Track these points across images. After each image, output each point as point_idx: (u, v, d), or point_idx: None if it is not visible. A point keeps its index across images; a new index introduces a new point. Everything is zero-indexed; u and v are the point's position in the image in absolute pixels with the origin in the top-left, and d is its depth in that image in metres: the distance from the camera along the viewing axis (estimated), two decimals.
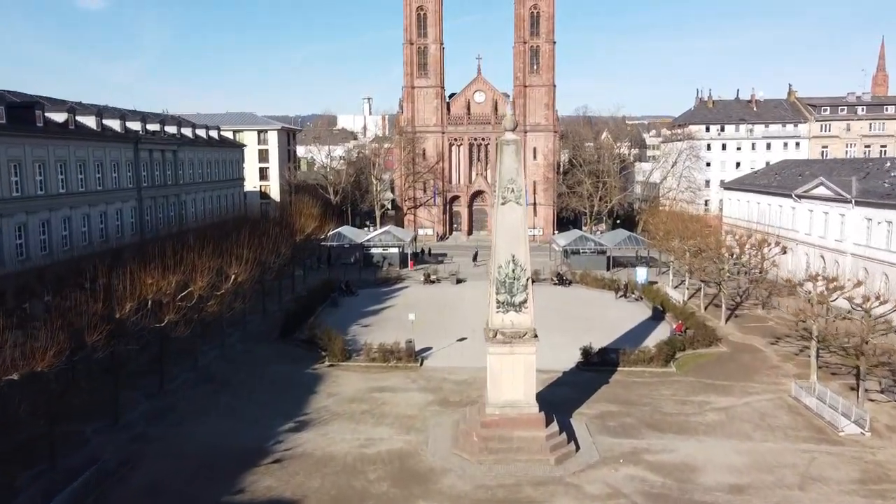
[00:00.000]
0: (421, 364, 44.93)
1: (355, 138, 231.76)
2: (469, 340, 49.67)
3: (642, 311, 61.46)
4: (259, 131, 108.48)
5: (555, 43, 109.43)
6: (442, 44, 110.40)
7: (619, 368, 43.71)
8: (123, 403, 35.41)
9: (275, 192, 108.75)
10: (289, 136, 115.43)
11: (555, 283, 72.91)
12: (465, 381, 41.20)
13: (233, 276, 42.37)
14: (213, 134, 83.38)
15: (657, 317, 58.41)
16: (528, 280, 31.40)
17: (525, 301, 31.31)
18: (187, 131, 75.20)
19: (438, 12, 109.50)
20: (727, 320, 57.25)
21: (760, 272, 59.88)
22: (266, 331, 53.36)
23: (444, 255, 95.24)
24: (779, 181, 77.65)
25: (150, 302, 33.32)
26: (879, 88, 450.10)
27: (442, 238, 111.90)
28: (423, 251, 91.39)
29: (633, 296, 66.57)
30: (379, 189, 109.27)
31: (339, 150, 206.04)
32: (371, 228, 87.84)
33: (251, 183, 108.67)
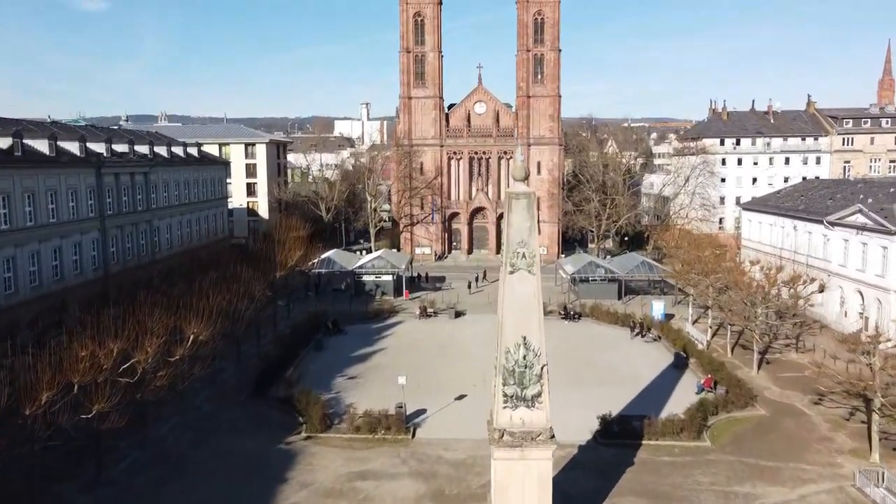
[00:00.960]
0: (413, 435, 38.53)
1: (352, 145, 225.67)
2: (469, 398, 43.43)
3: (662, 355, 55.12)
4: (246, 144, 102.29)
5: (560, 51, 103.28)
6: (440, 52, 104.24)
7: (643, 442, 37.36)
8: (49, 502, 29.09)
9: (263, 209, 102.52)
10: (278, 149, 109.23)
11: (562, 317, 66.64)
12: (465, 463, 34.84)
13: (191, 337, 35.95)
14: (193, 151, 77.13)
15: (680, 364, 52.06)
16: (543, 368, 25.05)
17: (539, 394, 24.98)
18: (161, 150, 68.94)
19: (437, 19, 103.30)
20: (758, 367, 50.96)
21: (794, 315, 53.56)
22: (239, 384, 46.98)
23: (443, 278, 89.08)
24: (806, 204, 71.37)
25: (76, 387, 26.94)
26: (886, 93, 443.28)
27: (440, 257, 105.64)
28: (419, 276, 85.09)
29: (650, 335, 60.24)
30: (374, 206, 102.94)
31: (334, 158, 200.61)
32: (363, 252, 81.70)
33: (238, 199, 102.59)
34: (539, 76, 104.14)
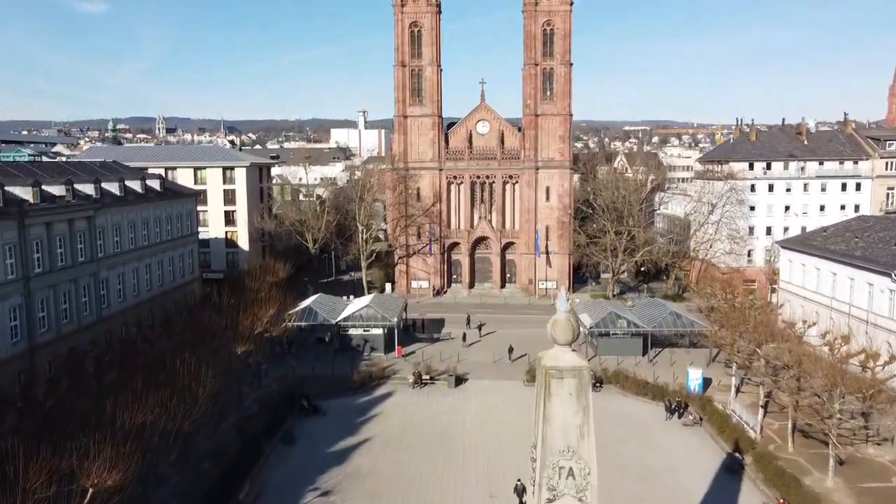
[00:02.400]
0: None
1: (348, 157, 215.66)
2: None
3: (708, 450, 45.15)
4: (224, 168, 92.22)
5: (571, 65, 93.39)
6: (439, 66, 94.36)
7: None
8: None
9: (243, 240, 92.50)
10: (261, 172, 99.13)
11: None
12: None
13: (90, 491, 25.83)
14: (154, 184, 67.10)
15: (733, 467, 42.05)
16: None
17: None
18: (111, 186, 58.93)
19: (435, 29, 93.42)
20: (833, 473, 40.93)
21: (868, 398, 43.48)
22: None
23: (441, 321, 79.24)
24: (863, 249, 61.29)
25: None
26: (895, 100, 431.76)
27: (439, 292, 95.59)
28: (413, 324, 75.02)
29: (690, 416, 50.22)
30: (366, 236, 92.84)
31: (329, 171, 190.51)
32: (350, 298, 71.75)
33: (216, 229, 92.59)
34: (548, 93, 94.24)
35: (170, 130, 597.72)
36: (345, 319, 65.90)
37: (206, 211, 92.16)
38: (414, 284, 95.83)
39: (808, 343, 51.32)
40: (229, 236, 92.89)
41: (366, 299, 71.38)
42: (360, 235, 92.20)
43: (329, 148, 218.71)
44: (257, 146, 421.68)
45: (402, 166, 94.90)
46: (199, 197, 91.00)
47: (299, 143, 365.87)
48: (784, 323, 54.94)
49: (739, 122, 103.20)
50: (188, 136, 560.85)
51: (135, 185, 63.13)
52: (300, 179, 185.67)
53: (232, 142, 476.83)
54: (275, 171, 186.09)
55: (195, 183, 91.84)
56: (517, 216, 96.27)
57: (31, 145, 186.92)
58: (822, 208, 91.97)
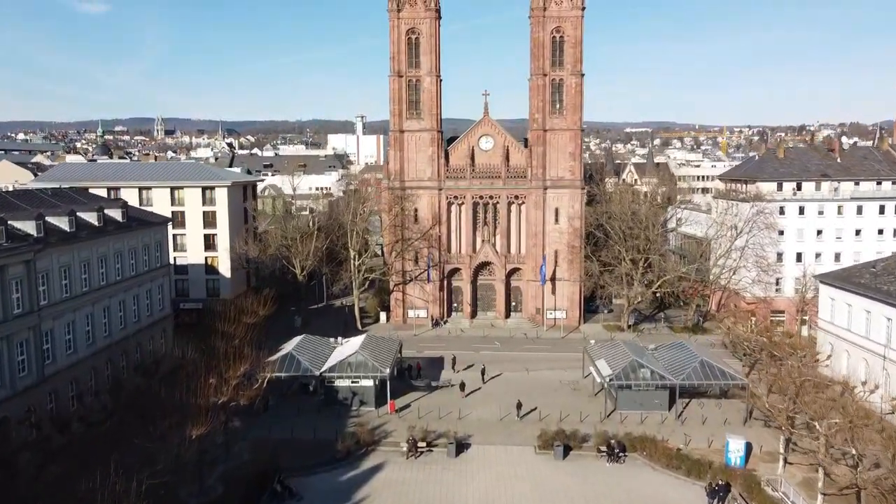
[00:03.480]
0: None
1: (344, 165, 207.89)
2: None
3: None
4: (204, 188, 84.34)
5: (583, 76, 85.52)
6: (439, 76, 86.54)
7: None
8: None
9: (225, 266, 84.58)
10: (245, 191, 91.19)
11: (601, 455, 48.86)
12: None
13: None
14: (115, 213, 59.20)
15: None
16: None
17: None
18: (59, 221, 51.08)
19: (434, 36, 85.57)
20: None
21: None
22: None
23: (440, 361, 71.57)
24: None
25: None
26: None
27: (437, 323, 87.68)
28: (409, 369, 67.12)
29: None
30: (358, 263, 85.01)
31: (324, 181, 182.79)
32: (339, 340, 63.83)
33: (195, 254, 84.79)
34: (557, 105, 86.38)
35: (168, 132, 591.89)
36: (331, 369, 57.98)
37: (185, 234, 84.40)
38: (411, 314, 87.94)
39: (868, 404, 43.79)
40: (210, 262, 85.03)
41: (356, 342, 63.46)
42: (351, 263, 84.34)
43: (325, 155, 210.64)
44: (255, 150, 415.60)
45: (399, 185, 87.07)
46: (177, 219, 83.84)
47: (297, 147, 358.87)
48: (840, 385, 47.01)
49: (765, 137, 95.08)
50: (186, 139, 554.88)
51: (90, 217, 55.22)
52: (294, 190, 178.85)
53: (230, 144, 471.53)
54: (267, 180, 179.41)
55: (172, 203, 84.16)
56: (523, 240, 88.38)
57: (7, 153, 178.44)
58: (857, 233, 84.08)
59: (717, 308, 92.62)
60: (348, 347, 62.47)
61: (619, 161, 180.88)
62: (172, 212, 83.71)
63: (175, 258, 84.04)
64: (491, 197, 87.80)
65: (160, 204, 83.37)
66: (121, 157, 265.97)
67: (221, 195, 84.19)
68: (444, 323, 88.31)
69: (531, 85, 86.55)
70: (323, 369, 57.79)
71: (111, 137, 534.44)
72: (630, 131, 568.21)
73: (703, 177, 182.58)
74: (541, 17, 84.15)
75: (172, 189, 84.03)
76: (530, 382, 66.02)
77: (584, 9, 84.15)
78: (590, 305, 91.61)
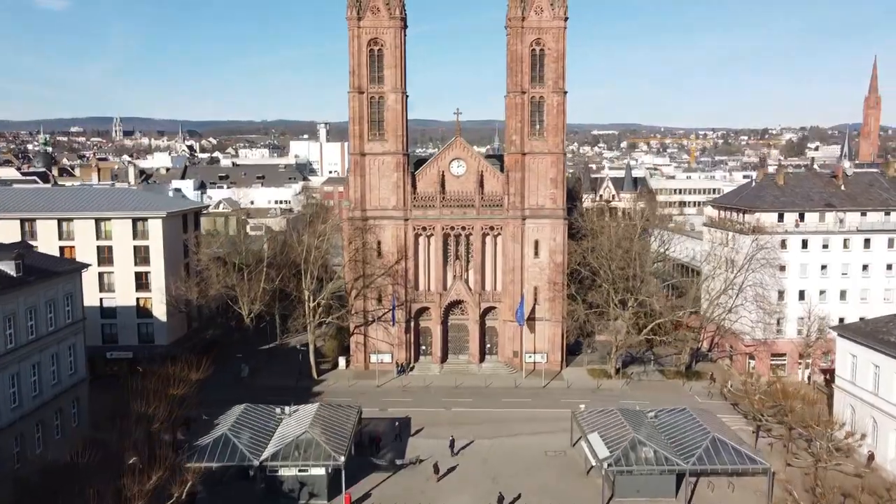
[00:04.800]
0: None
1: (305, 176, 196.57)
2: None
3: None
4: (135, 220, 73.50)
5: (566, 93, 76.76)
6: (405, 92, 77.05)
7: None
8: None
9: (160, 308, 73.85)
10: (185, 222, 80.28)
11: None
12: None
13: None
14: (7, 266, 48.40)
15: None
16: None
17: None
18: None
19: (400, 48, 76.01)
20: None
21: None
22: None
23: (407, 423, 62.13)
24: None
25: None
26: (872, 111, 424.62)
27: (403, 370, 78.08)
28: (371, 441, 57.43)
29: None
30: (313, 305, 74.95)
31: (284, 194, 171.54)
32: (286, 411, 53.87)
33: (124, 296, 73.92)
34: (537, 126, 77.53)
35: (127, 133, 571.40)
36: (274, 455, 48.04)
37: (112, 272, 73.55)
38: (374, 358, 78.28)
39: None
40: (142, 304, 74.25)
41: (306, 413, 53.62)
42: (306, 305, 74.26)
43: (285, 165, 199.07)
44: (216, 153, 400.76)
45: (360, 215, 77.30)
46: (104, 255, 73.13)
47: (260, 151, 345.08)
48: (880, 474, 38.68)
49: (765, 156, 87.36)
50: (145, 140, 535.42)
51: None
52: (251, 203, 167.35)
53: (190, 147, 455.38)
54: (222, 193, 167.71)
55: (98, 237, 73.29)
56: (499, 276, 79.23)
57: None
58: (864, 268, 76.67)
59: (709, 346, 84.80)
60: (297, 421, 52.67)
61: (595, 175, 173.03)
62: (98, 247, 73.01)
63: (101, 300, 73.51)
64: (463, 228, 78.45)
65: (83, 238, 72.55)
66: (69, 163, 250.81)
67: (155, 228, 73.47)
68: (411, 369, 78.72)
69: (508, 103, 77.52)
70: (264, 456, 47.86)
71: (65, 139, 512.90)
72: (597, 133, 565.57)
73: (679, 190, 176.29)
74: (519, 29, 75.17)
75: (98, 221, 73.07)
76: (511, 455, 56.88)
77: (566, 19, 75.42)
78: (571, 346, 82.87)
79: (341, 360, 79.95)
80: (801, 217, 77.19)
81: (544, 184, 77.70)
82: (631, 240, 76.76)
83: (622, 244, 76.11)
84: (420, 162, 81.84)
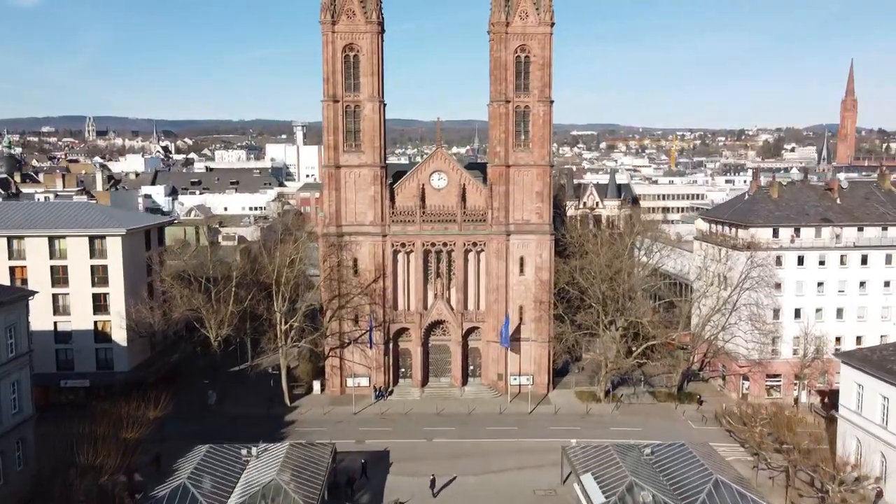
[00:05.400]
0: None
1: (281, 182, 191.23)
2: None
3: None
4: (92, 237, 68.44)
5: (552, 102, 72.97)
6: (382, 100, 72.79)
7: None
8: None
9: (119, 333, 68.89)
10: (148, 238, 75.21)
11: None
12: None
13: None
14: None
15: None
16: None
17: None
18: None
19: (377, 54, 71.72)
20: None
21: None
22: None
23: (385, 458, 57.93)
24: None
25: None
26: (849, 114, 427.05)
27: (381, 394, 73.79)
28: (347, 480, 53.14)
29: None
30: (284, 328, 70.38)
31: (258, 199, 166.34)
32: (255, 452, 49.26)
33: (80, 319, 68.87)
34: (523, 137, 73.65)
35: (100, 133, 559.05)
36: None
37: (67, 294, 68.46)
38: (350, 382, 73.91)
39: None
40: (100, 327, 69.23)
41: (275, 455, 49.21)
42: (278, 328, 69.67)
43: (260, 170, 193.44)
44: (192, 154, 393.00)
45: (335, 231, 72.90)
46: (58, 275, 68.06)
47: (237, 153, 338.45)
48: None
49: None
50: (119, 141, 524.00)
51: None
52: (224, 209, 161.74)
53: (166, 148, 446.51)
54: (194, 199, 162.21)
55: (52, 256, 68.21)
56: (483, 294, 75.23)
57: None
58: (861, 285, 73.79)
59: (700, 365, 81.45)
60: (264, 465, 48.23)
61: (578, 181, 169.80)
62: (52, 266, 67.96)
63: (56, 323, 68.47)
64: (445, 244, 74.31)
65: (36, 257, 67.47)
66: (38, 165, 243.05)
67: (114, 246, 68.48)
68: (390, 394, 74.45)
69: (491, 112, 73.55)
70: None
71: (36, 139, 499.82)
72: (576, 134, 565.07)
73: (663, 196, 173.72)
74: (503, 34, 71.19)
75: (52, 238, 67.91)
76: (496, 494, 52.97)
77: (553, 24, 71.61)
78: (557, 367, 79.10)
79: (316, 384, 75.45)
80: (797, 232, 74.05)
81: (530, 197, 73.83)
82: (621, 258, 73.05)
83: (613, 264, 72.32)
84: (399, 174, 77.53)
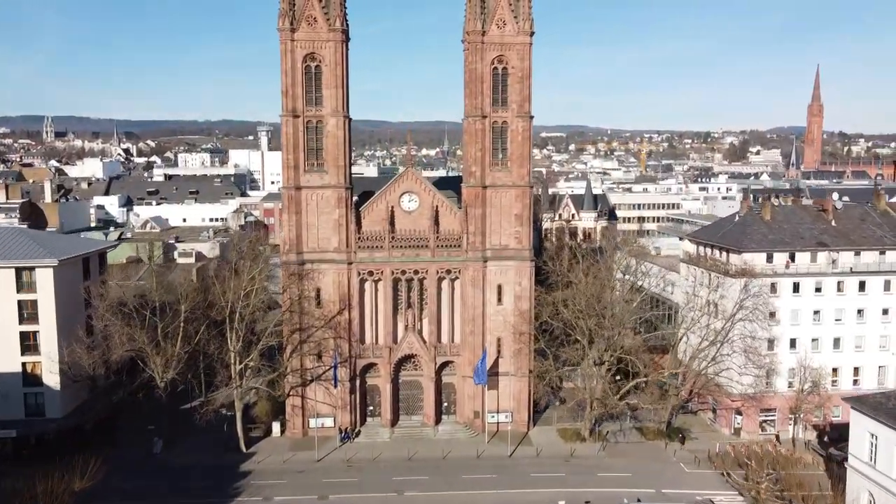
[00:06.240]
0: None
1: (244, 191, 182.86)
2: None
3: None
4: (19, 269, 60.88)
5: (532, 118, 67.40)
6: (347, 115, 66.52)
7: None
8: None
9: (51, 376, 61.44)
10: (86, 267, 67.72)
11: None
12: None
13: None
14: None
15: None
16: None
17: None
18: None
19: (341, 65, 65.44)
20: None
21: None
22: None
23: None
24: None
25: None
26: (815, 119, 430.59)
27: (347, 436, 67.48)
28: None
29: None
30: (240, 367, 63.60)
31: (219, 210, 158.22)
32: None
33: (6, 360, 61.24)
34: (500, 155, 68.02)
35: (59, 134, 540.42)
36: None
37: None
38: (313, 423, 67.37)
39: None
40: (29, 369, 61.73)
41: None
42: (233, 368, 62.88)
43: (222, 177, 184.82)
44: (154, 156, 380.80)
45: (295, 259, 66.35)
46: None
47: (201, 156, 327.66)
48: None
49: (748, 194, 79.74)
50: (78, 142, 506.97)
51: None
52: (183, 220, 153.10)
53: (127, 150, 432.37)
54: (151, 210, 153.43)
55: None
56: (457, 326, 69.35)
57: None
58: (859, 313, 69.55)
59: (688, 396, 76.55)
60: None
61: (553, 190, 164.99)
62: None
63: None
64: (416, 272, 68.25)
65: None
66: None
67: (45, 278, 61.07)
68: (357, 435, 68.16)
69: (466, 128, 67.81)
70: None
71: None
72: (546, 136, 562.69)
73: (638, 205, 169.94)
74: (479, 44, 65.43)
75: None
76: None
77: (532, 34, 66.04)
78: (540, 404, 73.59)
79: (275, 426, 68.82)
80: (792, 258, 69.52)
81: (508, 221, 68.17)
82: (607, 290, 67.79)
83: (602, 298, 66.91)
84: (366, 194, 71.27)
